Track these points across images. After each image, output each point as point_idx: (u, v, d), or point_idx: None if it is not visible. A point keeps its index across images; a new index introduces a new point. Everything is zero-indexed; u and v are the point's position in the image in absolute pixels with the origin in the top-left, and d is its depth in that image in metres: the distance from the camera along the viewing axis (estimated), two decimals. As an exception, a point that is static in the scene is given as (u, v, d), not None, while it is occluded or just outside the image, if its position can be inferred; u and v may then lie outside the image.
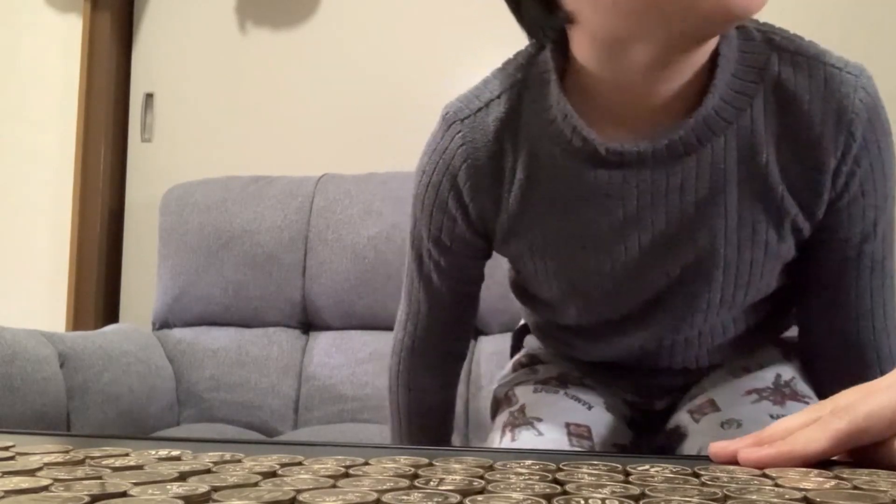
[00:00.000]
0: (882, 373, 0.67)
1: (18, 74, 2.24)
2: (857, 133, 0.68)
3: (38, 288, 2.16)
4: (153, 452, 0.43)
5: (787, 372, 0.79)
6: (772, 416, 0.72)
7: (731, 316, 0.76)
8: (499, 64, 0.79)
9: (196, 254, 1.84)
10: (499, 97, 0.74)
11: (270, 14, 2.11)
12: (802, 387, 0.77)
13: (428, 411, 0.90)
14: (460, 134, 0.74)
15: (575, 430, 0.77)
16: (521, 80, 0.73)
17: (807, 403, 0.74)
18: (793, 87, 0.69)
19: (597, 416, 0.81)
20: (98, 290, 2.11)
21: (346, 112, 2.03)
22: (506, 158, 0.73)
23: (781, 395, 0.75)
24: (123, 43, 2.19)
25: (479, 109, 0.74)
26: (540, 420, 0.79)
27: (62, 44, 2.20)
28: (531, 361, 0.92)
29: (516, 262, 0.79)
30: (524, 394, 0.85)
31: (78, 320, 2.08)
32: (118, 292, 2.15)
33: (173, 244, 1.87)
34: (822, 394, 0.76)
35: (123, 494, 0.33)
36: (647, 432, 0.85)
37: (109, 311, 2.12)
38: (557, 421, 0.79)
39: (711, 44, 0.66)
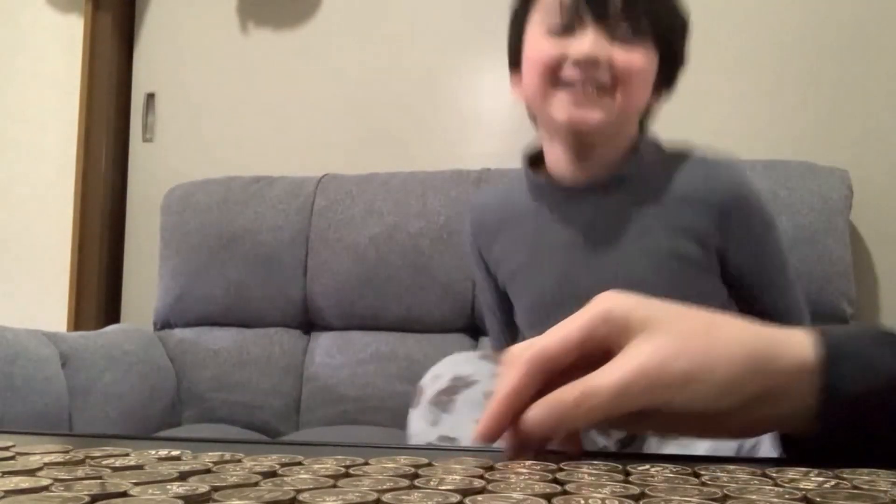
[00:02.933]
0: None
1: (19, 74, 2.24)
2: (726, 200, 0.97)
3: (39, 288, 2.16)
4: (153, 452, 0.43)
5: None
6: None
7: None
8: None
9: (197, 254, 1.84)
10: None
11: (272, 14, 2.11)
12: None
13: None
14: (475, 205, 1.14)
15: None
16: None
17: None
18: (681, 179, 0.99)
19: None
20: (99, 291, 2.11)
21: (348, 112, 2.03)
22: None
23: None
24: (125, 43, 2.19)
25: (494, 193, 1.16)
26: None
27: (63, 44, 2.20)
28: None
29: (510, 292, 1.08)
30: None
31: (79, 320, 2.08)
32: (119, 292, 2.15)
33: (174, 244, 1.87)
34: None
35: (123, 494, 0.33)
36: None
37: (111, 312, 2.13)
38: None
39: (619, 142, 0.97)
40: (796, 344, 0.44)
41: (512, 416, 0.44)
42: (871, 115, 1.70)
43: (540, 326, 0.86)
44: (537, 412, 0.43)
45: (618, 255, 0.96)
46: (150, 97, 2.18)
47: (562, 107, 0.92)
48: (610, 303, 0.44)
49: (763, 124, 1.76)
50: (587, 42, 0.90)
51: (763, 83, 1.76)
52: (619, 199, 0.97)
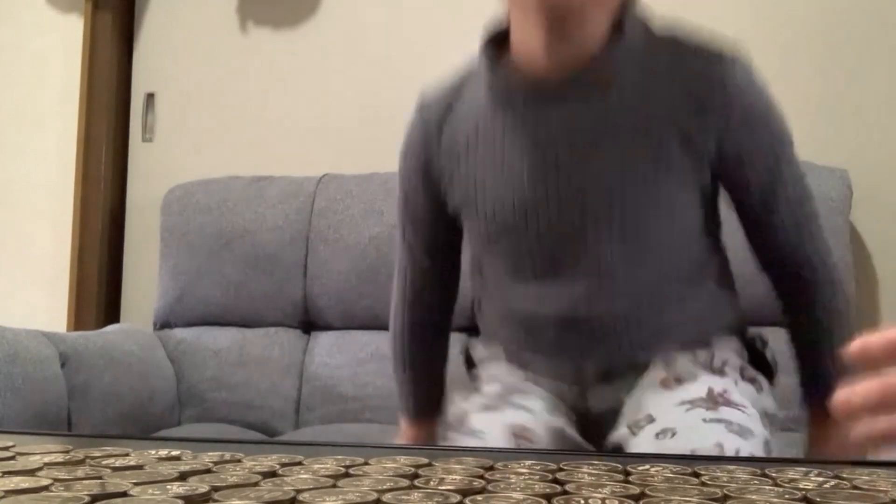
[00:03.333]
0: (819, 283, 0.86)
1: (19, 74, 2.24)
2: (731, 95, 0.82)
3: (39, 288, 2.16)
4: (153, 452, 0.43)
5: (719, 385, 0.80)
6: (705, 421, 0.75)
7: (653, 258, 0.83)
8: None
9: (197, 254, 1.84)
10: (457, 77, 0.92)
11: (272, 14, 2.11)
12: (737, 397, 0.79)
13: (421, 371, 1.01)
14: (421, 108, 0.94)
15: (519, 433, 0.81)
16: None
17: (742, 411, 0.77)
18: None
19: (540, 419, 0.84)
20: (99, 290, 2.11)
21: (348, 112, 2.03)
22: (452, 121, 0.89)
23: (714, 402, 0.78)
24: (124, 43, 2.19)
25: (441, 89, 0.93)
26: (483, 432, 0.82)
27: (63, 44, 2.20)
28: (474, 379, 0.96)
29: (463, 216, 0.90)
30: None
31: (79, 320, 2.08)
32: (119, 292, 2.15)
33: (174, 244, 1.87)
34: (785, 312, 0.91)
35: (123, 494, 0.33)
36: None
37: (111, 312, 2.12)
38: (500, 427, 0.82)
39: (601, 16, 0.81)
40: None
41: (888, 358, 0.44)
42: (870, 115, 1.70)
43: (501, 240, 0.85)
44: None
45: (594, 163, 0.82)
46: (150, 97, 2.17)
47: None
48: None
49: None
50: None
51: (763, 83, 1.76)
52: (598, 100, 0.82)
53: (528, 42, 0.82)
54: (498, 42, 0.87)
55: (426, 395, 1.01)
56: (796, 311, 0.89)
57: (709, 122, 0.81)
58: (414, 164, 0.93)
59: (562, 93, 0.82)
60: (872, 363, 0.44)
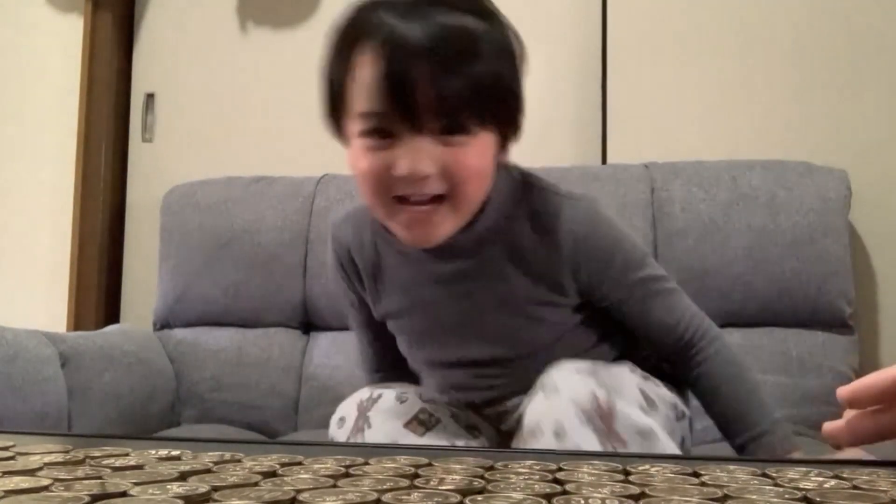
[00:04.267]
0: (703, 344, 0.94)
1: (19, 74, 2.24)
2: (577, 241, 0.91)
3: (38, 288, 2.16)
4: (153, 452, 0.43)
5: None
6: (579, 372, 0.85)
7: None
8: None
9: (197, 254, 1.84)
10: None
11: (271, 14, 2.11)
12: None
13: None
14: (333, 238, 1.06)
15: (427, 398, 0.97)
16: None
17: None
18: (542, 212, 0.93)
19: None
20: (99, 291, 2.10)
21: (347, 112, 2.03)
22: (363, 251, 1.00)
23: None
24: (124, 43, 2.19)
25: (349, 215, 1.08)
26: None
27: (63, 44, 2.20)
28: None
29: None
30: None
31: (79, 320, 2.08)
32: (119, 292, 2.15)
33: (174, 244, 1.87)
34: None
35: (123, 494, 0.33)
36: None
37: (110, 312, 2.12)
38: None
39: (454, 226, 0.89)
40: None
41: (872, 400, 0.47)
42: (870, 115, 1.70)
43: (419, 351, 0.99)
44: None
45: (480, 306, 0.93)
46: (150, 97, 2.17)
47: (401, 227, 0.86)
48: None
49: (762, 124, 1.76)
50: (406, 159, 0.80)
51: (762, 83, 1.76)
52: (474, 260, 0.92)
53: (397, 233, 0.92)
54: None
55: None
56: (693, 370, 0.95)
57: (561, 260, 0.91)
58: (336, 277, 1.07)
59: (435, 257, 0.92)
60: (861, 407, 0.47)
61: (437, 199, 0.83)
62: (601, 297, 0.94)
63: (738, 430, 0.91)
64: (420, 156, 0.81)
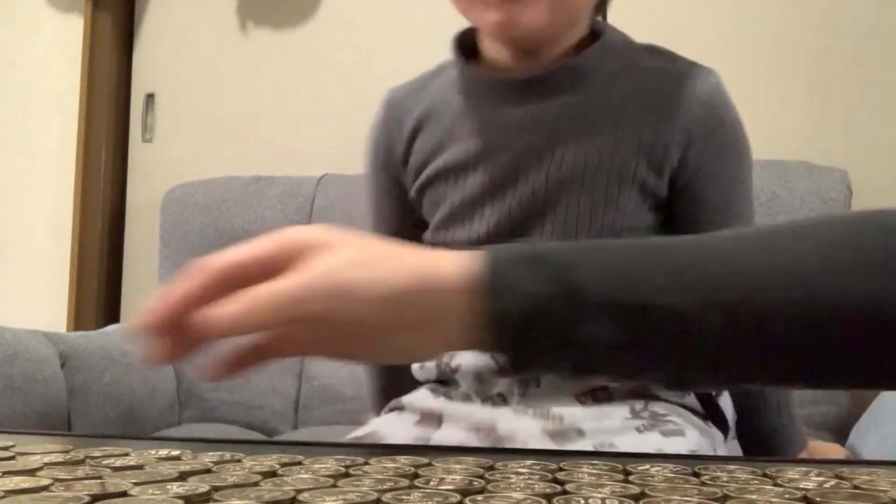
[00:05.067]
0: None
1: (19, 74, 2.24)
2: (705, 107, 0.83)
3: (38, 288, 2.16)
4: (153, 452, 0.43)
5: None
6: (640, 431, 0.74)
7: None
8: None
9: (197, 254, 1.80)
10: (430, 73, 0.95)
11: (271, 14, 2.11)
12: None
13: None
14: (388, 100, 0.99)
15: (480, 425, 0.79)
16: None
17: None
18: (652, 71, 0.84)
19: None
20: (99, 290, 2.11)
21: (348, 112, 2.03)
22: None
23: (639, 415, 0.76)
24: (124, 43, 2.19)
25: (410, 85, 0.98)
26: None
27: (63, 44, 2.20)
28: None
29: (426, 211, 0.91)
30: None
31: (79, 320, 2.08)
32: (119, 292, 2.15)
33: (174, 244, 1.87)
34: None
35: (123, 494, 0.33)
36: None
37: (110, 311, 2.12)
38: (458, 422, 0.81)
39: (569, 37, 0.83)
40: (456, 267, 0.47)
41: (178, 314, 0.47)
42: (870, 115, 1.70)
43: (463, 225, 0.84)
44: (224, 307, 0.46)
45: (559, 163, 0.81)
46: (150, 97, 2.17)
47: (489, 8, 0.78)
48: (297, 231, 0.49)
49: (762, 124, 1.75)
50: None
51: (762, 83, 1.76)
52: (570, 99, 0.82)
53: (499, 54, 0.84)
54: (469, 43, 0.89)
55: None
56: None
57: (675, 128, 0.81)
58: (381, 161, 0.99)
59: (532, 89, 0.82)
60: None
61: None
62: (693, 176, 0.82)
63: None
64: None
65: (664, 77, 0.83)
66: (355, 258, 0.49)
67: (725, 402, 0.85)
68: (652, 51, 0.86)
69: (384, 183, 0.99)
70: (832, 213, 0.49)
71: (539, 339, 0.45)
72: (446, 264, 0.47)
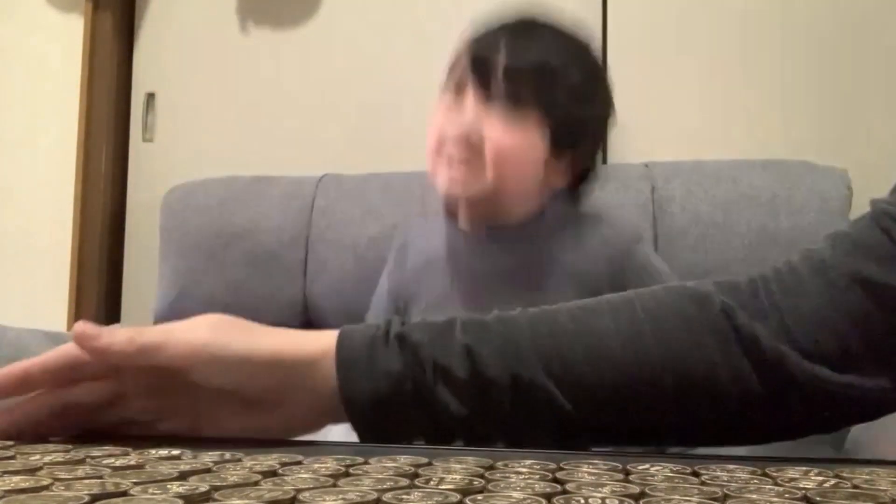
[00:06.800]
0: None
1: (19, 74, 2.24)
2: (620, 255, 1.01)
3: (39, 288, 2.16)
4: (153, 452, 0.43)
5: None
6: None
7: None
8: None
9: (197, 254, 1.84)
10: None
11: (272, 14, 2.11)
12: None
13: None
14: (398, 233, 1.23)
15: None
16: None
17: None
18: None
19: None
20: (99, 290, 2.11)
21: (348, 112, 2.03)
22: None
23: None
24: (125, 43, 2.19)
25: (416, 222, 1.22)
26: None
27: (63, 43, 2.20)
28: None
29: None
30: None
31: (79, 320, 2.07)
32: (119, 292, 2.15)
33: (174, 244, 1.87)
34: None
35: (124, 494, 0.33)
36: None
37: (111, 311, 2.12)
38: None
39: (517, 214, 1.01)
40: (319, 343, 0.50)
41: (23, 384, 0.52)
42: (871, 114, 1.70)
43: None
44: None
45: (517, 299, 0.99)
46: (150, 97, 2.17)
47: (440, 178, 0.99)
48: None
49: (762, 124, 1.76)
50: (461, 116, 0.95)
51: (762, 83, 1.76)
52: (523, 249, 1.01)
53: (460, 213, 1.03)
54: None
55: None
56: None
57: (604, 267, 0.99)
58: (388, 271, 1.19)
59: (492, 242, 1.02)
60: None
61: (472, 165, 0.96)
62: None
63: None
64: (468, 118, 0.95)
65: (594, 231, 1.03)
66: (218, 332, 0.54)
67: None
68: (590, 216, 1.05)
69: (387, 281, 1.21)
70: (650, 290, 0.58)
71: (389, 416, 0.49)
72: (310, 339, 0.51)
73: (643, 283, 0.95)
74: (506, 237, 1.02)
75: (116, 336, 0.49)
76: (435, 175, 1.00)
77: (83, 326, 0.50)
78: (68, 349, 0.51)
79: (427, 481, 0.36)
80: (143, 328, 0.50)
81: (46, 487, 0.34)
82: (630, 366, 0.51)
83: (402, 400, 0.49)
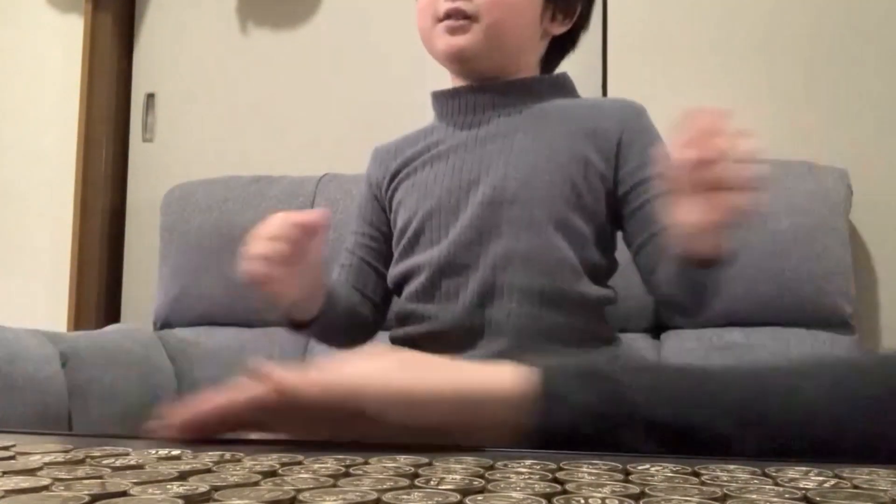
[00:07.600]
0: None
1: (19, 74, 2.24)
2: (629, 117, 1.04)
3: (39, 287, 2.16)
4: (153, 452, 0.43)
5: None
6: None
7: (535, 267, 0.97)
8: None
9: (197, 253, 1.84)
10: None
11: (271, 14, 2.11)
12: None
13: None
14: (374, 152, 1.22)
15: None
16: None
17: None
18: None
19: None
20: (99, 290, 2.11)
21: (348, 112, 2.03)
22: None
23: None
24: (125, 43, 2.19)
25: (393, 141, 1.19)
26: None
27: (63, 44, 2.20)
28: None
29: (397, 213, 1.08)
30: None
31: (79, 320, 2.08)
32: (119, 292, 2.15)
33: (174, 244, 1.87)
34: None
35: (124, 494, 0.33)
36: None
37: (111, 311, 2.12)
38: None
39: (512, 69, 1.04)
40: (506, 377, 0.49)
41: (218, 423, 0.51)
42: (871, 114, 1.70)
43: (429, 234, 1.02)
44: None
45: (514, 152, 0.99)
46: (150, 97, 2.17)
47: (439, 39, 1.00)
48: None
49: (762, 123, 1.76)
50: None
51: (762, 83, 1.76)
52: (520, 99, 1.03)
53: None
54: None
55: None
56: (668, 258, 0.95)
57: (612, 123, 1.01)
58: (367, 184, 1.19)
59: (485, 93, 1.03)
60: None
61: (469, 19, 0.98)
62: (630, 177, 1.00)
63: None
64: None
65: (595, 98, 1.11)
66: (404, 364, 0.51)
67: None
68: (595, 99, 1.13)
69: (366, 191, 1.20)
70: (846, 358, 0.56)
71: (589, 442, 0.48)
72: (496, 374, 0.50)
73: (651, 143, 1.00)
74: (514, 89, 1.03)
75: (309, 380, 0.49)
76: (433, 46, 1.02)
77: (271, 371, 0.50)
78: (254, 388, 0.51)
79: (427, 481, 0.36)
80: (324, 365, 0.50)
81: (46, 487, 0.34)
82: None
83: (597, 438, 0.48)
